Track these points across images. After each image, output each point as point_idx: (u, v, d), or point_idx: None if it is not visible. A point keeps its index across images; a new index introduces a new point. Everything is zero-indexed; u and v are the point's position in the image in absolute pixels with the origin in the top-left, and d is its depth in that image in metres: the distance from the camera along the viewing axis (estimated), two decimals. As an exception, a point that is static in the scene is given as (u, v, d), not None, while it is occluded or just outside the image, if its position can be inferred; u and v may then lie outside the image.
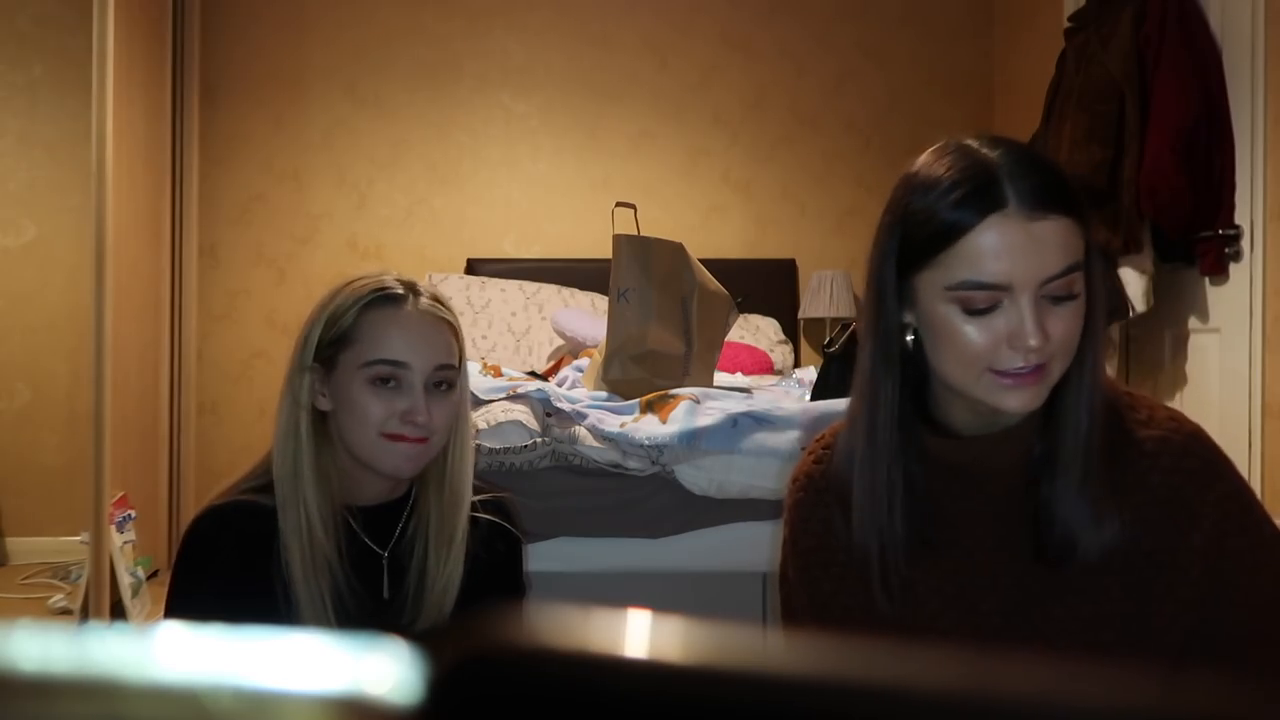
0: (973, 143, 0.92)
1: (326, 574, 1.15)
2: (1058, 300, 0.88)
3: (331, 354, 1.18)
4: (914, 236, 0.92)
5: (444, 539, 1.22)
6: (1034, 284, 0.87)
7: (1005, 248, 0.86)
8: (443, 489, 1.24)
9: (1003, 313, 0.88)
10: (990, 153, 0.89)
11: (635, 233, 2.50)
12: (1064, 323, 0.89)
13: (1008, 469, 0.96)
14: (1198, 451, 0.93)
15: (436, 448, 1.21)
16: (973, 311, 0.89)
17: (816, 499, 1.06)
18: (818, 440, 1.11)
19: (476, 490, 1.28)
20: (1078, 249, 0.88)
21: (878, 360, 0.96)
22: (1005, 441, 0.95)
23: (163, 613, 1.22)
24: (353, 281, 1.21)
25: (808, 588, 1.07)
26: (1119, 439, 0.93)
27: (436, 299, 1.22)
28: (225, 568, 1.16)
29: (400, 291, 1.18)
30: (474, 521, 1.27)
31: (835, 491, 1.03)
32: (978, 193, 0.87)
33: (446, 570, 1.22)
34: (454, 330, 1.22)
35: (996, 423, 0.95)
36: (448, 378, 1.20)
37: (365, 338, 1.16)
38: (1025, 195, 0.86)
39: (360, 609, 1.18)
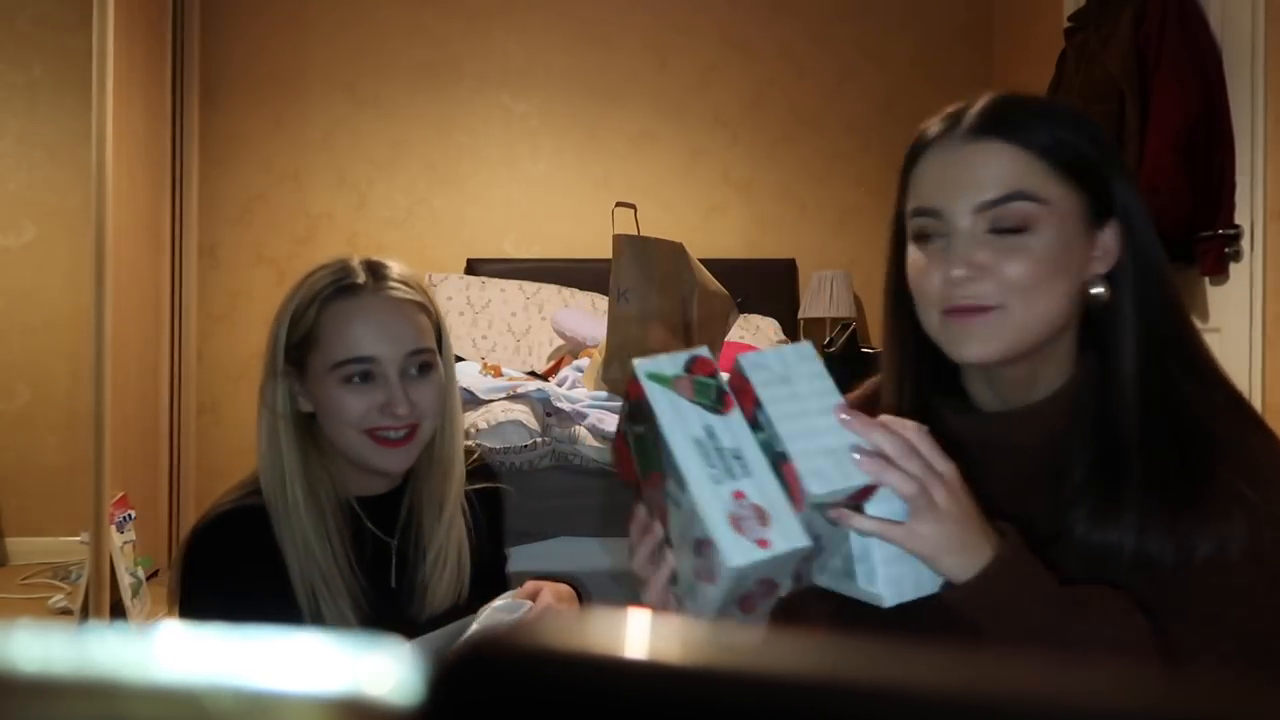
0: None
1: (335, 577, 1.12)
2: (1002, 233, 0.82)
3: (300, 356, 1.13)
4: (901, 181, 0.91)
5: (434, 511, 1.20)
6: (965, 210, 0.83)
7: (940, 167, 0.84)
8: (431, 464, 1.21)
9: (945, 244, 0.84)
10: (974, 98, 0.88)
11: (635, 233, 2.50)
12: (1008, 260, 0.82)
13: (1026, 449, 0.89)
14: (1237, 466, 0.81)
15: (428, 433, 1.17)
16: (919, 239, 0.86)
17: None
18: None
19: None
20: (1028, 182, 0.82)
21: (893, 331, 0.95)
22: (1026, 419, 0.89)
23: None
24: (312, 274, 1.14)
25: None
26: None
27: (402, 280, 1.15)
28: (238, 572, 1.13)
29: (359, 280, 1.12)
30: (468, 495, 1.26)
31: None
32: (942, 120, 0.87)
33: (439, 541, 1.20)
34: (423, 308, 1.16)
35: (1017, 400, 0.90)
36: (424, 361, 1.15)
37: (329, 337, 1.10)
38: (973, 120, 0.84)
39: (371, 603, 1.16)
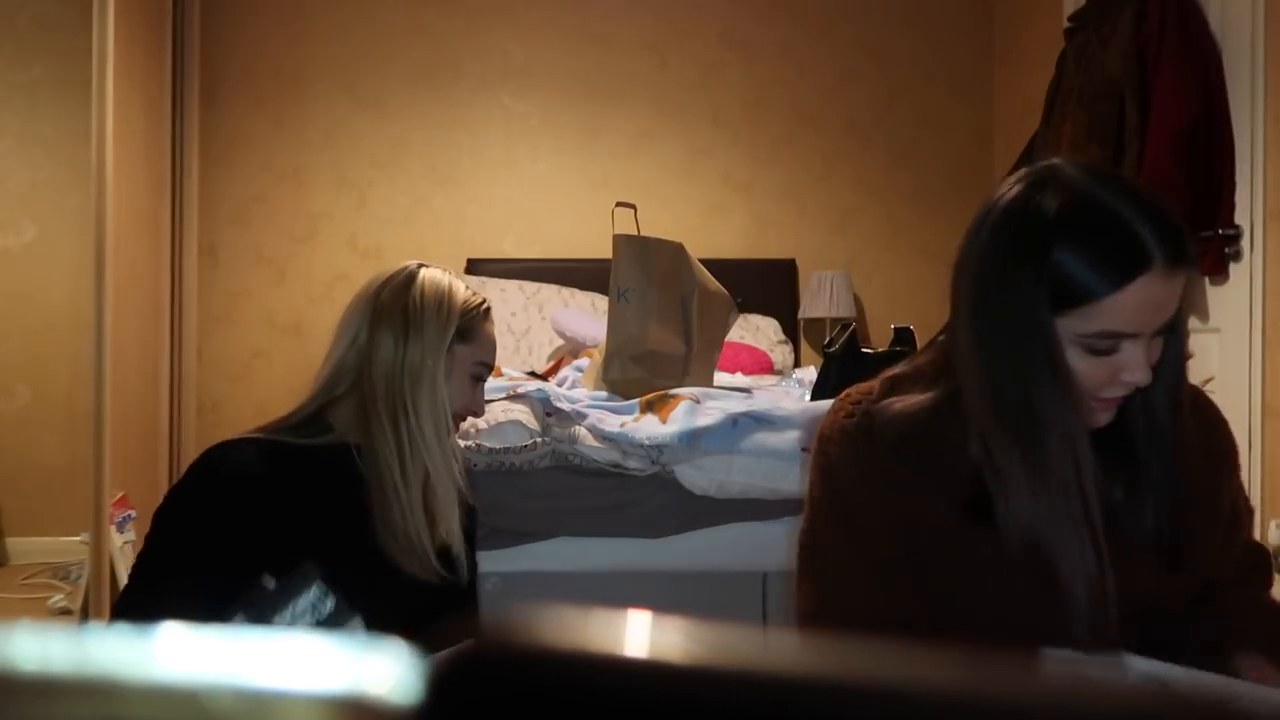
0: (1092, 185, 0.93)
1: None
2: (1158, 334, 0.95)
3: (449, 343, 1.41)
4: (1054, 290, 0.93)
5: (451, 493, 1.45)
6: (1155, 330, 0.94)
7: (1148, 304, 0.92)
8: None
9: (1121, 353, 0.94)
10: (1123, 204, 0.91)
11: (635, 233, 2.50)
12: (1158, 352, 0.95)
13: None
14: (1211, 405, 1.07)
15: None
16: (1094, 352, 0.94)
17: (869, 452, 1.04)
18: (846, 399, 1.09)
19: None
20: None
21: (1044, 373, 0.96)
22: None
23: (155, 534, 1.26)
24: (458, 291, 1.41)
25: (863, 540, 1.04)
26: None
27: None
28: (239, 494, 1.23)
29: (488, 308, 1.47)
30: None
31: (904, 446, 1.02)
32: (1128, 253, 0.91)
33: (449, 518, 1.44)
34: None
35: None
36: None
37: (482, 341, 1.43)
38: (1167, 252, 0.91)
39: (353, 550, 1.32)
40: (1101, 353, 0.94)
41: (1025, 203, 0.95)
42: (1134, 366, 0.93)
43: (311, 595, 1.05)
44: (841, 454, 1.06)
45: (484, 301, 1.46)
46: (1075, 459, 0.95)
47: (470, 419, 1.61)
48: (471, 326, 1.41)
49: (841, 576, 1.06)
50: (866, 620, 1.03)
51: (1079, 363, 0.94)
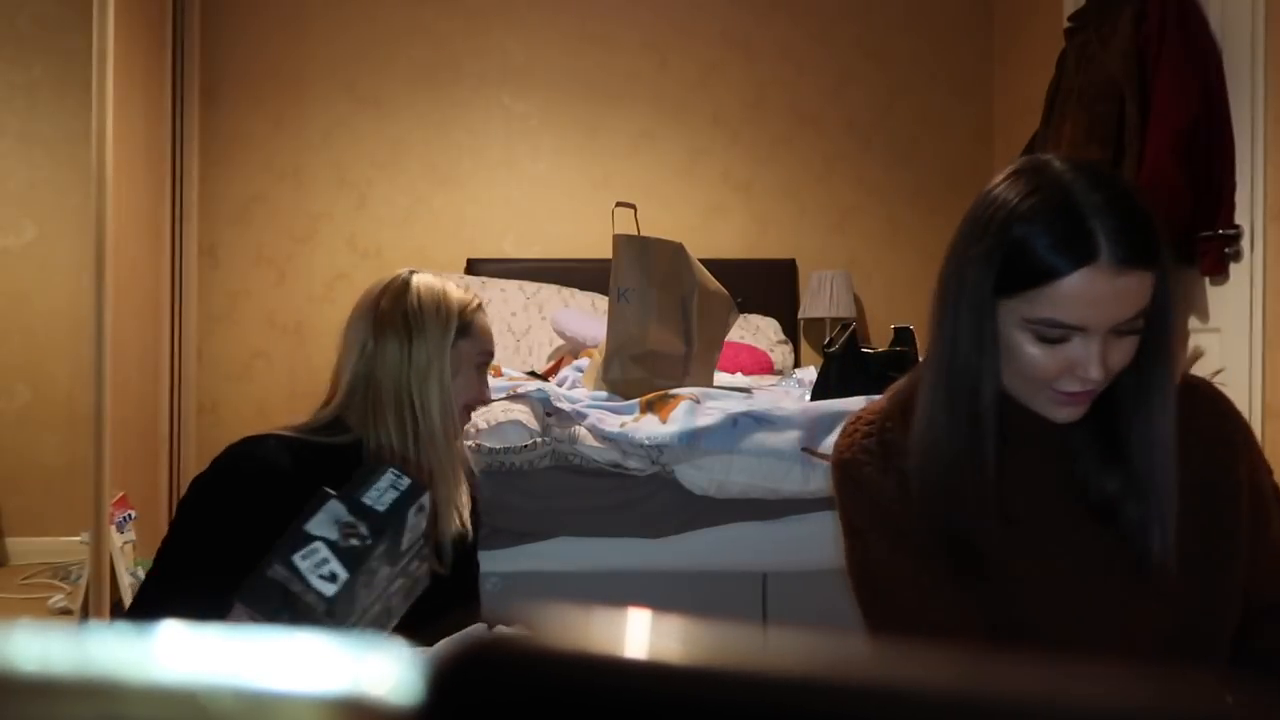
0: (1069, 176, 0.94)
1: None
2: (1121, 335, 0.94)
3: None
4: (1005, 268, 0.96)
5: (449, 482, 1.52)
6: (1106, 327, 0.93)
7: (1091, 298, 0.92)
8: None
9: (1071, 345, 0.94)
10: (1088, 196, 0.92)
11: (635, 233, 2.50)
12: (1123, 353, 0.95)
13: (1069, 436, 1.03)
14: (1221, 396, 1.08)
15: None
16: (1044, 340, 0.95)
17: (895, 465, 1.05)
18: (858, 420, 1.10)
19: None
20: (1150, 293, 0.93)
21: (971, 351, 1.00)
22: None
23: (178, 530, 1.29)
24: (452, 294, 1.48)
25: (919, 553, 1.03)
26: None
27: None
28: (283, 499, 1.18)
29: (480, 302, 1.55)
30: None
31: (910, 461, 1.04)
32: (1073, 242, 0.91)
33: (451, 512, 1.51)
34: None
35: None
36: None
37: (481, 335, 1.49)
38: (1116, 250, 0.90)
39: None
40: (1051, 341, 0.94)
41: (1001, 189, 0.97)
42: (1084, 362, 0.93)
43: (388, 478, 1.10)
44: (871, 471, 1.06)
45: (476, 297, 1.53)
46: (978, 407, 0.98)
47: (477, 411, 1.66)
48: (470, 322, 1.49)
49: (907, 591, 1.04)
50: (948, 630, 1.01)
51: (1030, 348, 0.95)
